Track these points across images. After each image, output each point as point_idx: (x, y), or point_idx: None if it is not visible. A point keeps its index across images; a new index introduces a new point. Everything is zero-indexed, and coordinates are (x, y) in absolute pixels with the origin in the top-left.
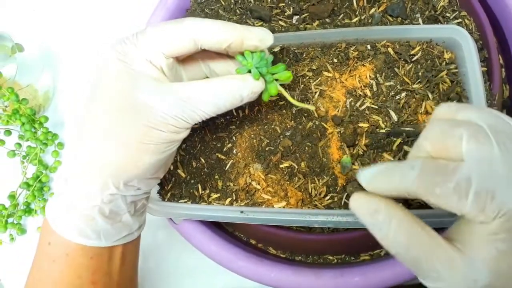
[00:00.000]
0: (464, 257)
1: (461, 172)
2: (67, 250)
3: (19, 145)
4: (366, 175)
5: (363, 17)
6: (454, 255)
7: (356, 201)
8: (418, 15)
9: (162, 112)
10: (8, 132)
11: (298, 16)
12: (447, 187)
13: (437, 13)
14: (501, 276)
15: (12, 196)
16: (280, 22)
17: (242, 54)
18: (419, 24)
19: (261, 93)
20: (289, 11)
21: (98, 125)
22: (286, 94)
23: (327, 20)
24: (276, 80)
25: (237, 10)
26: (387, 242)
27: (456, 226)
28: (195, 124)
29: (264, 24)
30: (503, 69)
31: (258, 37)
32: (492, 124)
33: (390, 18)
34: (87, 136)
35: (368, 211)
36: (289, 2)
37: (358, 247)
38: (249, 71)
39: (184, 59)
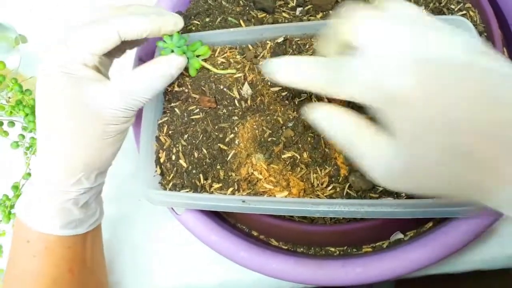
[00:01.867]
0: (388, 139)
1: (357, 60)
2: (46, 244)
3: (23, 136)
4: (274, 64)
5: None
6: (380, 138)
7: (314, 109)
8: (422, 7)
9: (112, 110)
10: (11, 123)
11: (302, 8)
12: (344, 76)
13: (442, 5)
14: (412, 159)
15: (16, 187)
16: (284, 14)
17: (161, 39)
18: None
19: (189, 71)
20: (293, 2)
21: (63, 134)
22: (208, 66)
23: (331, 12)
24: (198, 56)
25: (240, 1)
26: (335, 137)
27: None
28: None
29: (267, 15)
30: None
31: (173, 22)
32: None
33: None
34: (54, 144)
35: (322, 115)
36: None
37: (360, 239)
38: (172, 51)
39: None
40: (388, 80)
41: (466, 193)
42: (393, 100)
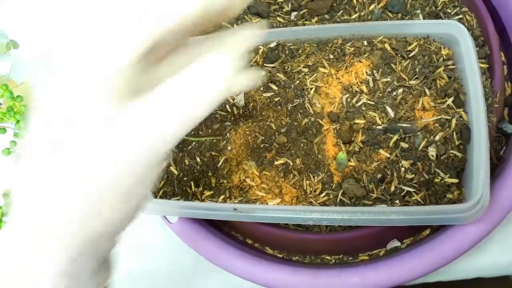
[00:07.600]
0: None
1: None
2: None
3: (14, 142)
4: None
5: (362, 13)
6: None
7: None
8: (418, 11)
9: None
10: (3, 130)
11: (297, 12)
12: None
13: (438, 9)
14: None
15: (7, 194)
16: (278, 18)
17: None
18: (419, 20)
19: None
20: (288, 7)
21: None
22: None
23: (326, 16)
24: None
25: None
26: None
27: None
28: None
29: (262, 20)
30: (505, 66)
31: None
32: None
33: (390, 15)
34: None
35: None
36: None
37: (357, 247)
38: None
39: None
40: None
41: None
42: None
